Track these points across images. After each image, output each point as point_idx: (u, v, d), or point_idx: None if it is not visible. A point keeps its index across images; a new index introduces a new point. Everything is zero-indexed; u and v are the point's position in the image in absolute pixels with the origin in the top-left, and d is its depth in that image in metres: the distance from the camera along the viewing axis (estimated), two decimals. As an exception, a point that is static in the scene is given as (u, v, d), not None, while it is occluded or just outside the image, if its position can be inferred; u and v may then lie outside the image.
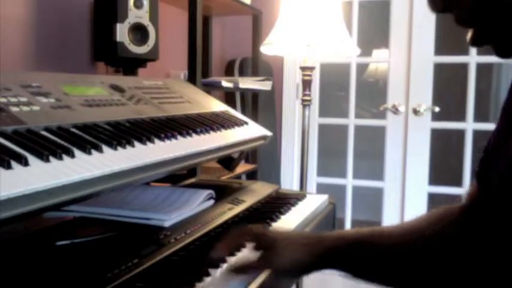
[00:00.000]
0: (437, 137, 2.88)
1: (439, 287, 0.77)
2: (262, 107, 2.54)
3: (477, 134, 2.76)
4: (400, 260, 0.78)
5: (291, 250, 0.78)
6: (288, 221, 1.13)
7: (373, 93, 3.39)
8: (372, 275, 0.81)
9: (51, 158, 0.69)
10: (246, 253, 0.89)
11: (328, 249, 0.79)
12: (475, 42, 0.55)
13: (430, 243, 0.78)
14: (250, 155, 2.48)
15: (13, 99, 0.81)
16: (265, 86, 2.28)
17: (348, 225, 3.01)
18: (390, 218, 2.90)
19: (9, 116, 0.76)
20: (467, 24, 0.54)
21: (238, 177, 2.24)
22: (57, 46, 1.62)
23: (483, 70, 3.00)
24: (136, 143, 0.87)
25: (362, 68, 3.32)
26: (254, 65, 2.51)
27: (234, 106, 2.54)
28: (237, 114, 1.38)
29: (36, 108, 0.83)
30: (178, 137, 0.99)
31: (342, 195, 2.98)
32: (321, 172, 3.06)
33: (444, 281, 0.76)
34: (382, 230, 0.85)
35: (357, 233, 0.82)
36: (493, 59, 3.23)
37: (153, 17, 1.68)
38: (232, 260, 0.86)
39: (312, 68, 2.04)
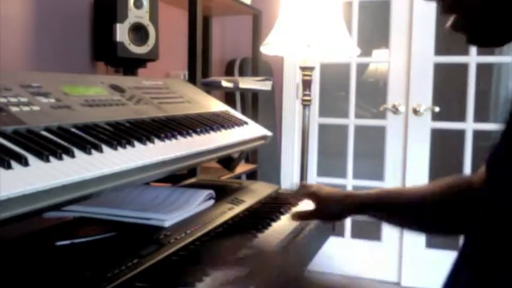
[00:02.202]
0: (437, 137, 2.87)
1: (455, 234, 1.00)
2: (262, 107, 2.54)
3: (477, 134, 2.76)
4: (417, 214, 1.00)
5: (335, 206, 1.07)
6: (288, 221, 1.13)
7: (373, 93, 3.39)
8: (394, 222, 1.09)
9: (51, 158, 0.69)
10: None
11: (361, 203, 1.05)
12: (454, 27, 0.66)
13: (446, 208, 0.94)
14: (250, 155, 2.48)
15: (13, 99, 0.81)
16: (265, 86, 2.28)
17: (347, 225, 3.01)
18: (390, 218, 2.89)
19: (9, 116, 0.76)
20: (449, 12, 0.67)
21: (238, 177, 2.24)
22: (57, 46, 1.62)
23: (483, 70, 3.00)
24: (136, 143, 0.87)
25: (362, 68, 3.31)
26: (254, 65, 2.51)
27: (234, 106, 2.54)
28: (237, 114, 1.38)
29: (36, 108, 0.83)
30: (178, 137, 0.99)
31: (342, 195, 2.97)
32: (321, 172, 3.06)
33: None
34: (405, 190, 1.17)
35: (386, 191, 1.10)
36: (493, 59, 3.23)
37: (153, 17, 1.68)
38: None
39: (312, 68, 2.04)
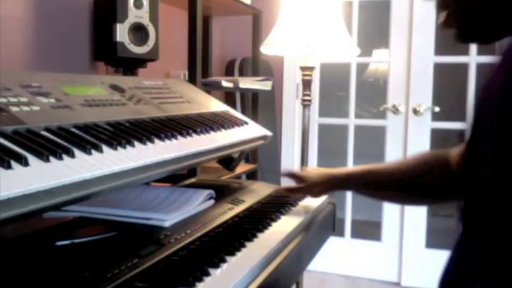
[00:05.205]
0: (437, 137, 2.88)
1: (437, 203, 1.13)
2: (262, 107, 2.54)
3: (477, 134, 2.75)
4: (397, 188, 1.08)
5: (319, 186, 1.22)
6: (288, 221, 1.13)
7: (373, 93, 3.39)
8: (377, 197, 1.22)
9: (51, 158, 0.69)
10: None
11: (347, 176, 1.18)
12: (445, 23, 0.70)
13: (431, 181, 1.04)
14: (250, 155, 2.48)
15: (13, 99, 0.81)
16: (265, 86, 2.28)
17: (348, 225, 3.01)
18: (390, 218, 2.90)
19: (9, 116, 0.76)
20: (442, 8, 0.70)
21: (238, 177, 2.24)
22: (57, 46, 1.62)
23: (483, 70, 3.00)
24: (136, 143, 0.87)
25: (362, 68, 3.32)
26: (254, 65, 2.51)
27: (234, 106, 2.54)
28: (237, 114, 1.38)
29: (36, 108, 0.83)
30: (178, 137, 0.99)
31: (342, 195, 2.98)
32: (321, 172, 3.06)
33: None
34: (387, 165, 1.17)
35: (369, 167, 1.15)
36: (493, 59, 3.23)
37: (153, 17, 1.68)
38: (232, 260, 0.86)
39: (312, 68, 2.04)
